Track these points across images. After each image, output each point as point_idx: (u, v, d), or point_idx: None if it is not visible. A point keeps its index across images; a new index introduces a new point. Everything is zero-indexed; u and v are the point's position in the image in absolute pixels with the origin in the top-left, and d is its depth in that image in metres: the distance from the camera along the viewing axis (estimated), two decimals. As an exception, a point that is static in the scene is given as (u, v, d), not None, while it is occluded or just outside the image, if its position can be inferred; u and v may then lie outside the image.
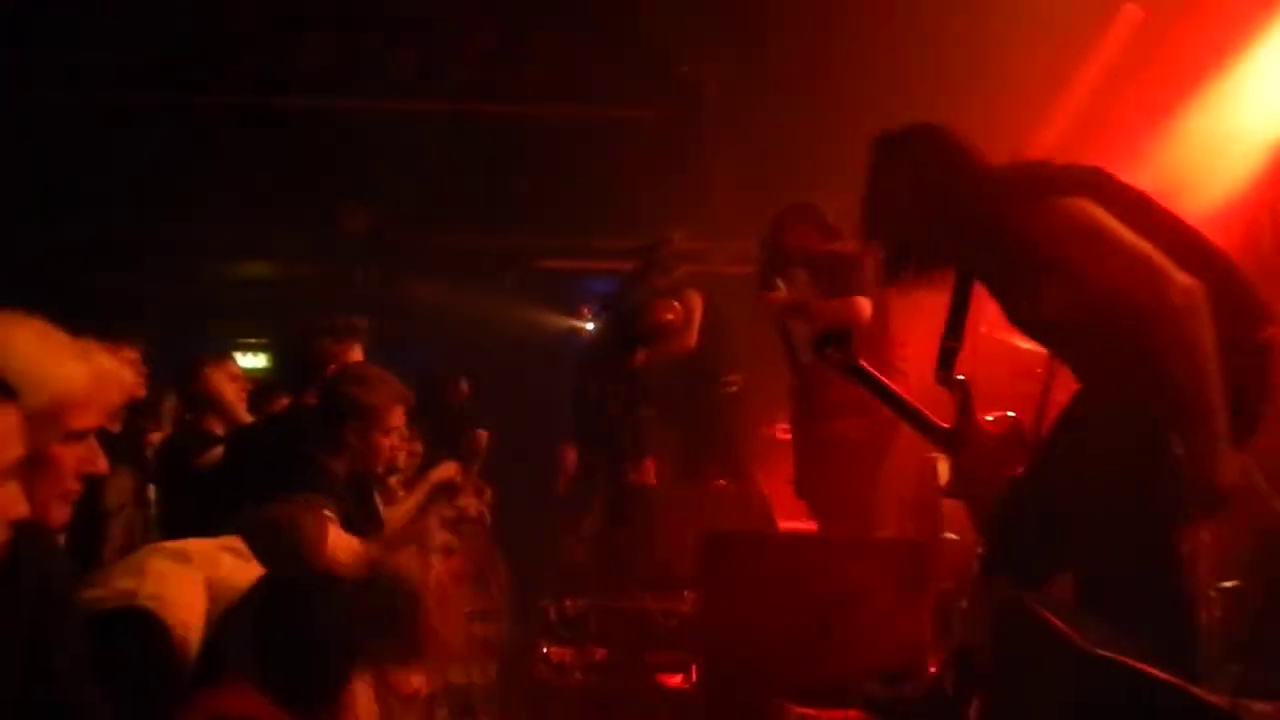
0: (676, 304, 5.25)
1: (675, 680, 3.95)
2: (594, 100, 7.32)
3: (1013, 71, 6.04)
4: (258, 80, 7.32)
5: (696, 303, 5.53)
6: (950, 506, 4.27)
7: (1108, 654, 2.01)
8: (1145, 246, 2.36)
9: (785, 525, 5.11)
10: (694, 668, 3.77)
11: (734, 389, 5.35)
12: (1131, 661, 1.97)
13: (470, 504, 5.50)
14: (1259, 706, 3.28)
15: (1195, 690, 1.98)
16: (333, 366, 3.69)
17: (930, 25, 6.28)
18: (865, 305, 4.16)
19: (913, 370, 4.14)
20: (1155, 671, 1.95)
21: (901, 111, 6.53)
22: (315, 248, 8.55)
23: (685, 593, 4.07)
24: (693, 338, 5.41)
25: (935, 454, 4.30)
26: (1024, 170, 2.69)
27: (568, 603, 4.43)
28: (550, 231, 7.74)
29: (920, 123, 2.72)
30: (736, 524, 4.66)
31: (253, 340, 9.36)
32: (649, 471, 5.42)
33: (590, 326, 6.61)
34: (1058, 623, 2.21)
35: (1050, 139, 5.99)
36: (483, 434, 6.33)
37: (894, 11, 6.32)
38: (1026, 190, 2.54)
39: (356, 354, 3.90)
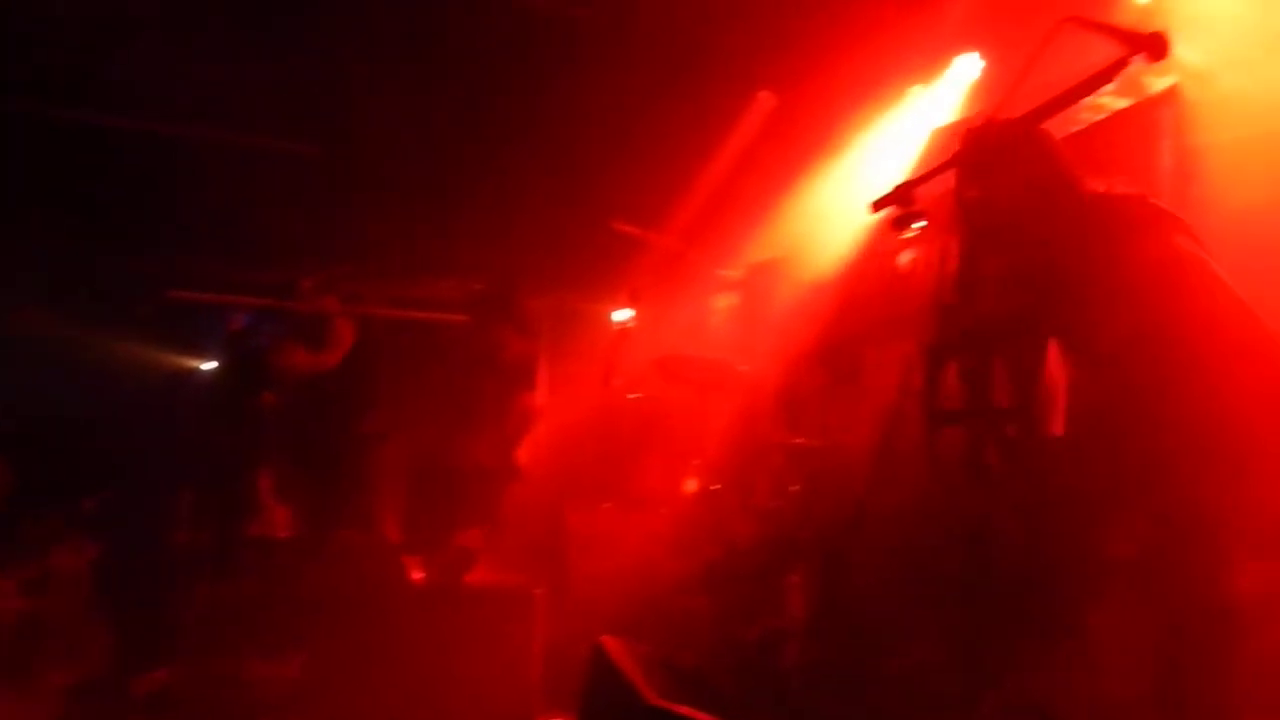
0: (304, 348, 5.02)
1: (277, 753, 3.66)
2: (248, 127, 6.86)
3: (662, 143, 6.44)
4: None
5: (347, 331, 5.35)
6: (578, 552, 4.36)
7: (663, 704, 2.07)
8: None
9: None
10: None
11: (370, 430, 5.16)
12: (684, 710, 2.04)
13: (64, 562, 4.87)
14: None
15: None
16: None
17: (593, 96, 6.53)
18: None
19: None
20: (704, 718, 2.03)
21: (554, 167, 6.78)
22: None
23: (294, 656, 3.79)
24: (334, 359, 5.21)
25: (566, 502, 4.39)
26: (1129, 200, 2.55)
27: (161, 672, 3.98)
28: (190, 261, 7.12)
29: (1024, 122, 2.54)
30: (362, 576, 4.44)
31: None
32: (278, 521, 5.06)
33: (212, 365, 6.13)
34: (628, 671, 2.25)
35: (694, 205, 6.43)
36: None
37: (559, 77, 6.51)
38: (1137, 219, 2.42)
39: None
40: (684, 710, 1.99)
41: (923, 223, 2.25)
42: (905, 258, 5.01)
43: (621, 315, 5.16)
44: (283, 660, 3.87)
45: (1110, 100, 4.52)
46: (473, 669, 3.23)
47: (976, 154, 2.43)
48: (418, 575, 4.66)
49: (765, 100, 6.51)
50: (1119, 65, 2.19)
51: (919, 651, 3.75)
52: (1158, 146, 3.68)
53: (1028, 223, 2.43)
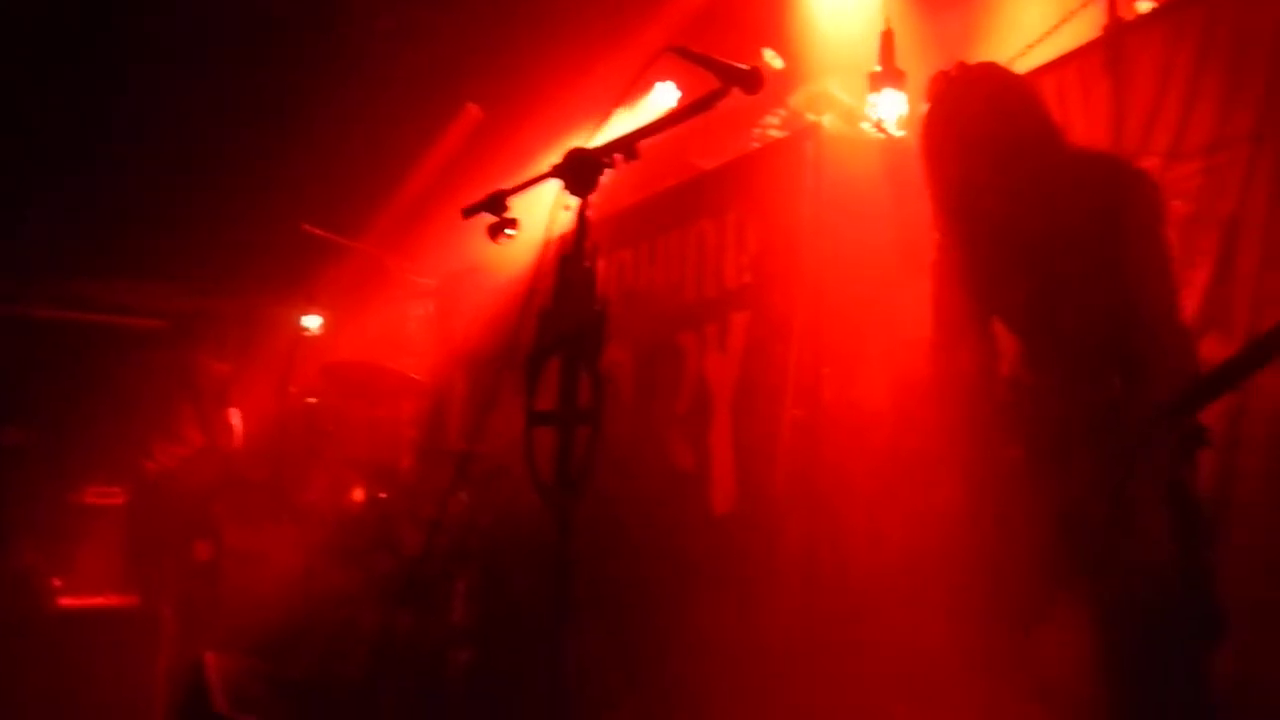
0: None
1: None
2: None
3: (364, 148, 6.33)
4: None
5: None
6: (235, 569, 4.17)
7: (227, 713, 2.02)
8: None
9: (76, 601, 4.55)
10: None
11: (10, 443, 4.69)
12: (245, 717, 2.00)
13: None
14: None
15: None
16: None
17: (290, 97, 6.31)
18: None
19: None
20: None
21: (247, 169, 6.47)
22: None
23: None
24: None
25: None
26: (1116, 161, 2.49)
27: None
28: None
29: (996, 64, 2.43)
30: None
31: None
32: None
33: None
34: (212, 685, 2.18)
35: (395, 212, 6.35)
36: None
37: (256, 76, 6.25)
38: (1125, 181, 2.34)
39: None
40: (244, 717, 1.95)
41: (515, 231, 2.32)
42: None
43: (305, 321, 5.00)
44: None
45: (776, 131, 4.89)
46: (92, 694, 2.99)
47: (949, 98, 2.38)
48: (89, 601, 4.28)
49: (471, 113, 6.55)
50: (716, 95, 2.34)
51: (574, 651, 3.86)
52: (800, 178, 3.98)
53: (1009, 174, 2.32)
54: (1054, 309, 2.40)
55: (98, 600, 3.94)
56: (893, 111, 3.56)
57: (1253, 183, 2.76)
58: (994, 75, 2.44)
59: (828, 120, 4.40)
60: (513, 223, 2.30)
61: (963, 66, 2.46)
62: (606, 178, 2.27)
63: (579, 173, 2.23)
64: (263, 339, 5.79)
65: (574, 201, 2.21)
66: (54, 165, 5.93)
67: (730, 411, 4.17)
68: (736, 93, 2.36)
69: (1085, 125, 3.29)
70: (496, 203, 2.29)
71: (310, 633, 3.69)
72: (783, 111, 4.86)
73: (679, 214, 4.63)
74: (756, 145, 4.79)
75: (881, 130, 3.58)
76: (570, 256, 2.23)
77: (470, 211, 2.32)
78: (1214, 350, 2.85)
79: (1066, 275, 2.35)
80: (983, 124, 2.35)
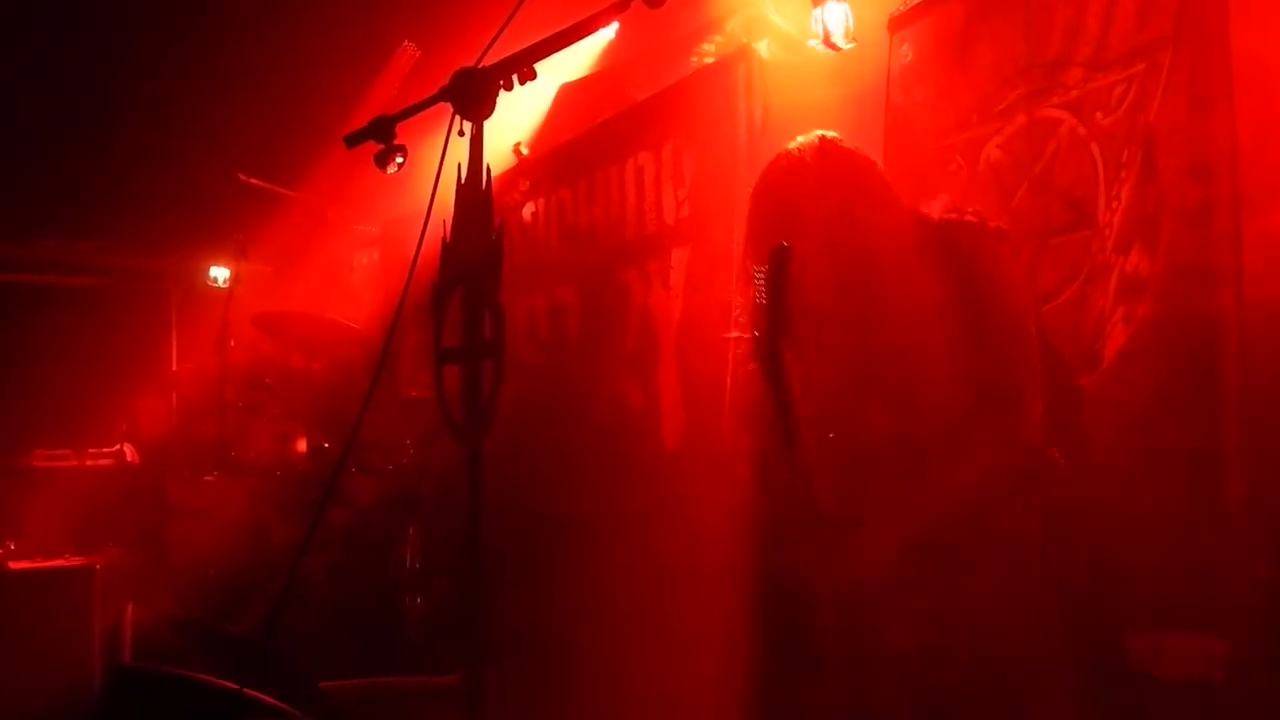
0: None
1: None
2: None
3: (299, 94, 6.18)
4: None
5: None
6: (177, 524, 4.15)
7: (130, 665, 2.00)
8: None
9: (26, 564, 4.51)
10: None
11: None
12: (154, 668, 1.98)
13: None
14: (444, 680, 3.63)
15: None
16: None
17: (223, 45, 6.13)
18: None
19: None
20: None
21: (183, 119, 6.28)
22: None
23: None
24: None
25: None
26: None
27: None
28: None
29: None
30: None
31: None
32: None
33: None
34: (124, 637, 2.16)
35: (336, 159, 6.21)
36: None
37: (186, 23, 6.06)
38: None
39: None
40: (154, 668, 1.93)
41: (402, 159, 2.25)
42: (528, 210, 5.09)
43: (213, 273, 4.92)
44: None
45: (713, 59, 4.79)
46: (32, 655, 2.98)
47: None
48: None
49: (408, 52, 6.39)
50: (618, 6, 2.26)
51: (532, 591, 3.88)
52: (733, 103, 3.91)
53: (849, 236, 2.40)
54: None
55: (47, 563, 3.90)
56: (839, 24, 3.45)
57: (1170, 89, 2.71)
58: (828, 152, 2.49)
59: (764, 46, 4.30)
60: (401, 149, 2.23)
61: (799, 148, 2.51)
62: (505, 99, 2.20)
63: (469, 94, 2.15)
64: (200, 294, 5.69)
65: (469, 126, 2.14)
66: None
67: (676, 348, 4.14)
68: (671, 22, 2.28)
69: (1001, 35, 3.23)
70: (382, 129, 2.21)
71: (260, 585, 3.68)
72: (719, 38, 4.75)
73: (615, 148, 4.54)
74: (695, 63, 4.68)
75: (830, 45, 3.47)
76: (466, 185, 2.17)
77: (353, 140, 2.24)
78: (1140, 265, 2.85)
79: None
80: (813, 198, 2.41)
